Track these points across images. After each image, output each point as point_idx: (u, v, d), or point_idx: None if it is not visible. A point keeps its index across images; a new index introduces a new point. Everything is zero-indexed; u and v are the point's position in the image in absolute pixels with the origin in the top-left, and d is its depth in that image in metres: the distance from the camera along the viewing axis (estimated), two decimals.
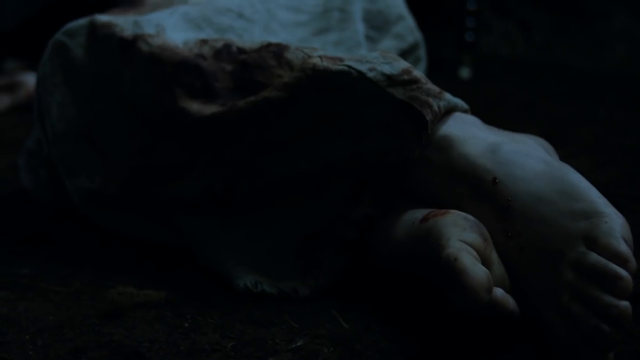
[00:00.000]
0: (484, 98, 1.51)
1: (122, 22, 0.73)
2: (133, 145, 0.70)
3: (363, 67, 0.62)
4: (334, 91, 0.62)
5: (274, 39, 0.80)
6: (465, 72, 1.95)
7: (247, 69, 0.68)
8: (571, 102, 1.51)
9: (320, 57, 0.64)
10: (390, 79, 0.61)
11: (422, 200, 0.61)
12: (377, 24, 0.94)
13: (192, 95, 0.67)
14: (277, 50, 0.68)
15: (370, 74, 0.61)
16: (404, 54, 0.97)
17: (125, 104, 0.71)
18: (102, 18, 0.75)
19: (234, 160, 0.65)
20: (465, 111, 0.64)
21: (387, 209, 0.61)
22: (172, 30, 0.73)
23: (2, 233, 0.77)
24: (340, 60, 0.63)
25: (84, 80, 0.74)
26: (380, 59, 0.63)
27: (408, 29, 0.97)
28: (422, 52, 1.01)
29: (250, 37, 0.79)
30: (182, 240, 0.69)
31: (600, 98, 1.56)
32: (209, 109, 0.65)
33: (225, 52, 0.70)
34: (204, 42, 0.71)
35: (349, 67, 0.62)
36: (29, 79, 1.49)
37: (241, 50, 0.70)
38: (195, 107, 0.66)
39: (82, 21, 0.76)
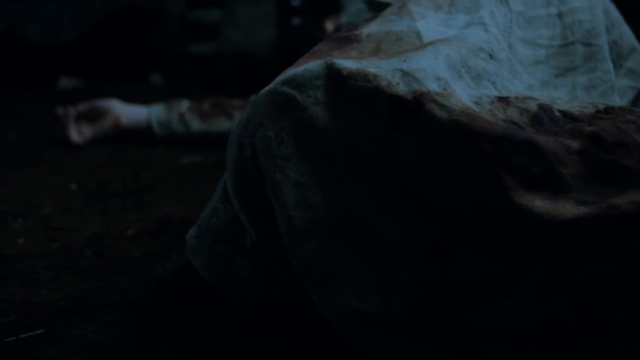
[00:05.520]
0: None
1: (381, 71, 0.53)
2: (415, 248, 0.50)
3: None
4: None
5: (520, 85, 0.62)
6: None
7: (602, 147, 0.49)
8: None
9: None
10: None
11: None
12: (611, 58, 0.75)
13: (529, 185, 0.48)
14: (638, 121, 0.49)
15: None
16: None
17: (398, 187, 0.51)
18: (347, 65, 0.54)
19: (599, 279, 0.46)
20: None
21: None
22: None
23: (206, 353, 0.56)
24: None
25: (332, 152, 0.53)
26: None
27: None
28: None
29: (502, 83, 0.61)
30: None
31: None
32: (565, 208, 0.46)
33: (547, 118, 0.51)
34: (504, 101, 0.52)
35: None
36: (115, 106, 1.28)
37: (568, 116, 0.51)
38: (539, 204, 0.47)
39: (313, 67, 0.55)
